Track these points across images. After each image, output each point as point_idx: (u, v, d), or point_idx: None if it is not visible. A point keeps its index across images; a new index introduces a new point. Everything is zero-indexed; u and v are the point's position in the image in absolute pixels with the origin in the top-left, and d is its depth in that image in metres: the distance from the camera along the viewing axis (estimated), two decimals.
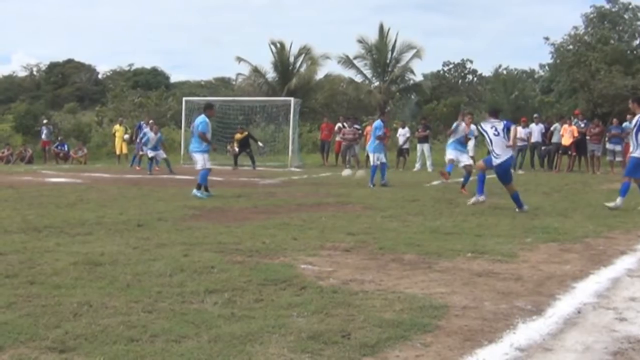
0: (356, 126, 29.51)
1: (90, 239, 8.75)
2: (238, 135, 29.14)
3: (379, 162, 18.18)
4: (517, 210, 11.99)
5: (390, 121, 37.26)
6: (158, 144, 25.82)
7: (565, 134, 26.41)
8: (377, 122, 19.41)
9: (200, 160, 15.07)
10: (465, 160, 16.75)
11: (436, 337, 4.67)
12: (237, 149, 28.92)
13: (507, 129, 12.42)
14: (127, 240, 8.57)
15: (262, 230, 9.59)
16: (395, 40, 47.00)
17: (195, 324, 4.86)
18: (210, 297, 5.64)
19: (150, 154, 25.37)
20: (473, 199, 12.85)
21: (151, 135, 25.74)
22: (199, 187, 14.82)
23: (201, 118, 15.50)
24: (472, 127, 17.59)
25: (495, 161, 12.34)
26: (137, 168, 27.25)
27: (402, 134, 29.58)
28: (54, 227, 9.71)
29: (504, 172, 12.43)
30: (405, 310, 5.29)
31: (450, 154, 16.92)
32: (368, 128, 29.96)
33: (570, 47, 36.92)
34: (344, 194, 15.50)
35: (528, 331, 4.85)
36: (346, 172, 23.28)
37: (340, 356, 4.29)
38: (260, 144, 30.08)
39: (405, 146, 29.48)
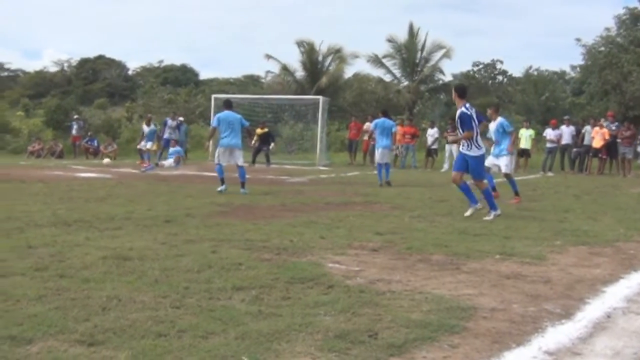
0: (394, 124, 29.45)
1: (119, 233, 8.81)
2: (259, 130, 29.23)
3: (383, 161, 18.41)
4: (471, 206, 11.39)
5: (419, 121, 37.24)
6: (152, 136, 26.32)
7: (597, 136, 26.19)
8: (390, 121, 19.35)
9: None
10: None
11: (464, 339, 4.64)
12: (256, 145, 29.01)
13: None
14: (155, 236, 8.61)
15: (290, 228, 9.60)
16: (425, 40, 46.87)
17: (222, 320, 4.87)
18: (238, 294, 5.65)
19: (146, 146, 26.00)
20: (470, 210, 11.39)
21: (145, 128, 26.45)
22: (243, 185, 15.09)
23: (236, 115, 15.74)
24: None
25: (479, 152, 11.38)
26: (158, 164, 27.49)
27: (431, 134, 29.54)
28: (83, 221, 9.78)
29: (482, 164, 11.73)
30: (432, 311, 5.26)
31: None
32: (398, 128, 29.95)
33: (602, 48, 36.58)
34: (371, 194, 15.48)
35: (557, 335, 4.81)
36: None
37: (367, 356, 4.28)
38: (272, 145, 29.97)
39: (434, 146, 29.41)
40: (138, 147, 27.31)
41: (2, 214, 10.27)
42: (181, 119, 30.06)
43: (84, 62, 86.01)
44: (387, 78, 48.82)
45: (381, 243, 8.46)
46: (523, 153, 27.99)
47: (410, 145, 30.27)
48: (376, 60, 47.16)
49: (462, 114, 11.18)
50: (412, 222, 10.54)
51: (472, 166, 11.34)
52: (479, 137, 11.37)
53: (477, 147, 11.26)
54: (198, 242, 8.19)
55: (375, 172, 18.73)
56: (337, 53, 47.91)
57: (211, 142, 23.71)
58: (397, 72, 47.95)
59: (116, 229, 9.16)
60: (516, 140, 14.35)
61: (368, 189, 16.90)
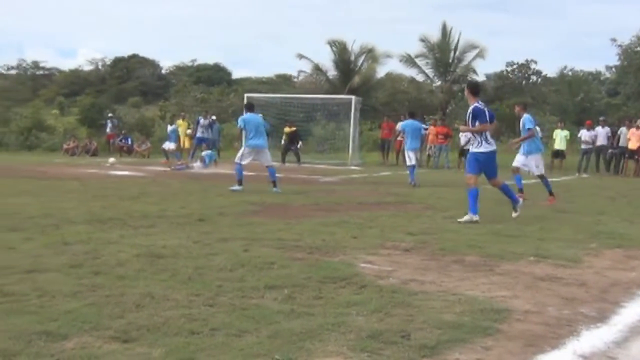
0: (422, 125, 29.35)
1: (152, 231, 8.87)
2: (287, 129, 29.41)
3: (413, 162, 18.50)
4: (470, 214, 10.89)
5: (451, 121, 37.03)
6: (173, 136, 26.67)
7: (632, 137, 25.90)
8: (418, 123, 19.36)
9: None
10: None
11: (497, 341, 4.60)
12: (285, 144, 29.19)
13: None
14: (188, 234, 8.66)
15: (322, 227, 9.59)
16: (458, 40, 46.68)
17: (255, 319, 4.88)
18: (270, 293, 5.66)
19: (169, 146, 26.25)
20: (466, 217, 10.81)
21: (168, 127, 26.90)
22: (275, 184, 15.20)
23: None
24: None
25: (490, 148, 11.09)
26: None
27: (464, 134, 29.35)
28: (117, 219, 9.86)
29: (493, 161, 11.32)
30: (465, 313, 5.23)
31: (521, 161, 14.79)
32: (431, 128, 29.84)
33: (638, 48, 36.14)
34: (404, 193, 15.44)
35: (592, 338, 4.75)
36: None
37: (400, 356, 4.26)
38: (300, 144, 30.01)
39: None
40: (162, 147, 27.71)
41: (38, 210, 10.39)
42: (213, 117, 30.20)
43: (118, 61, 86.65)
44: (420, 78, 48.77)
45: (414, 243, 8.42)
46: (558, 154, 27.77)
47: (443, 145, 30.17)
48: (409, 60, 47.05)
49: (476, 108, 11.06)
50: (445, 223, 10.49)
51: (484, 163, 11.15)
52: (488, 134, 11.14)
53: (487, 143, 11.07)
54: (231, 241, 8.21)
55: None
56: (369, 52, 47.86)
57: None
58: (430, 72, 47.85)
59: (150, 227, 9.22)
60: (529, 137, 14.01)
61: (400, 189, 16.85)
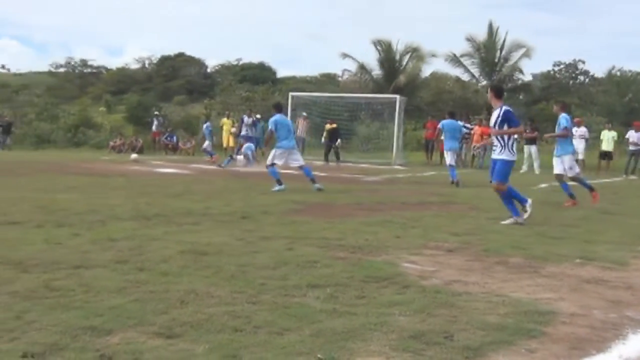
0: (467, 125, 29.17)
1: (196, 228, 8.93)
2: (327, 126, 29.49)
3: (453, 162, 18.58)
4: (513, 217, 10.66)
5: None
6: (207, 134, 27.05)
7: None
8: (458, 123, 19.33)
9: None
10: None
11: (542, 344, 4.56)
12: (325, 141, 29.28)
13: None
14: (232, 232, 8.70)
15: (365, 227, 9.58)
16: (505, 39, 46.27)
17: (297, 317, 4.89)
18: (313, 292, 5.66)
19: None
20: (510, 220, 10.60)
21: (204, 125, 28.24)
22: (314, 181, 15.28)
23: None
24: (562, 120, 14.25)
25: (511, 157, 10.81)
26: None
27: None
28: (162, 216, 9.95)
29: (509, 170, 11.03)
30: (509, 315, 5.18)
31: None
32: (476, 128, 29.63)
33: None
34: (447, 194, 15.35)
35: (638, 342, 4.68)
36: None
37: (443, 357, 4.24)
38: (339, 142, 29.97)
39: None
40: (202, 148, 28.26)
41: (85, 207, 10.53)
42: (258, 116, 30.31)
43: (164, 59, 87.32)
44: (465, 77, 48.45)
45: (457, 244, 8.37)
46: (605, 155, 27.38)
47: (488, 145, 29.88)
48: (454, 59, 46.77)
49: (507, 112, 10.75)
50: (489, 224, 10.40)
51: (499, 168, 10.84)
52: (514, 143, 10.91)
53: (510, 152, 10.79)
54: (274, 239, 8.24)
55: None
56: (414, 52, 47.67)
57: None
58: (476, 72, 47.52)
59: (194, 224, 9.29)
60: (562, 135, 13.75)
61: (444, 189, 16.77)
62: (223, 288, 5.67)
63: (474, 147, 30.00)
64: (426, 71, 49.13)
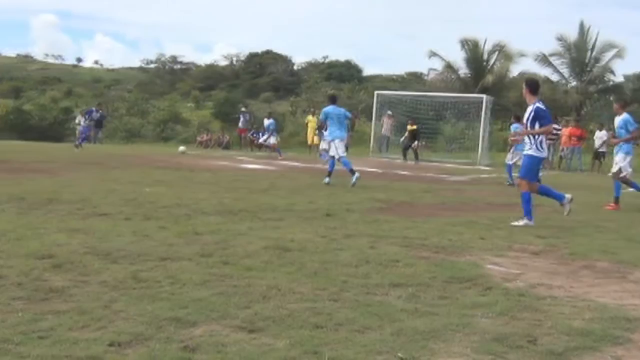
0: (555, 126, 28.63)
1: (280, 224, 9.01)
2: (409, 127, 29.50)
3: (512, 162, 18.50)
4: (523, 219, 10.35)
5: (586, 123, 35.94)
6: (270, 130, 27.47)
7: None
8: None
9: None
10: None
11: (628, 351, 4.45)
12: (405, 141, 29.27)
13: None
14: (315, 229, 8.75)
15: (449, 227, 9.51)
16: (596, 39, 45.15)
17: (378, 315, 4.89)
18: (395, 291, 5.65)
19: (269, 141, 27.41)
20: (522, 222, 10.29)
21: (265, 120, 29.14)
22: (353, 172, 15.44)
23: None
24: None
25: (539, 154, 10.54)
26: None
27: (599, 136, 28.49)
28: (247, 211, 10.06)
29: (536, 166, 10.84)
30: (595, 320, 5.07)
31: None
32: (564, 130, 29.06)
33: None
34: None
35: None
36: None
37: None
38: (416, 143, 29.82)
39: (602, 149, 28.31)
40: (268, 143, 29.03)
41: (172, 200, 10.73)
42: None
43: (252, 56, 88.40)
44: (555, 78, 47.46)
45: (543, 246, 8.24)
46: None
47: (577, 147, 29.34)
48: (543, 59, 45.88)
49: (539, 109, 10.41)
50: (575, 227, 10.19)
51: (525, 163, 10.64)
52: (544, 139, 10.57)
53: (538, 149, 10.47)
54: (357, 237, 8.25)
55: (540, 173, 18.25)
56: (502, 51, 47.01)
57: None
58: (565, 72, 46.51)
59: (278, 220, 9.37)
60: (636, 138, 13.39)
61: None
62: (305, 284, 5.71)
63: (561, 149, 29.48)
64: (514, 71, 48.38)
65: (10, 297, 4.92)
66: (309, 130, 33.51)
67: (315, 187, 14.64)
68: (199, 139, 38.25)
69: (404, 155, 29.07)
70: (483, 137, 31.02)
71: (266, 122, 30.90)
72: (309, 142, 33.32)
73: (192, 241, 7.43)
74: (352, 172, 15.36)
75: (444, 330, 4.63)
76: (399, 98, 36.48)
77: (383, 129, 34.60)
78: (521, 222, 10.18)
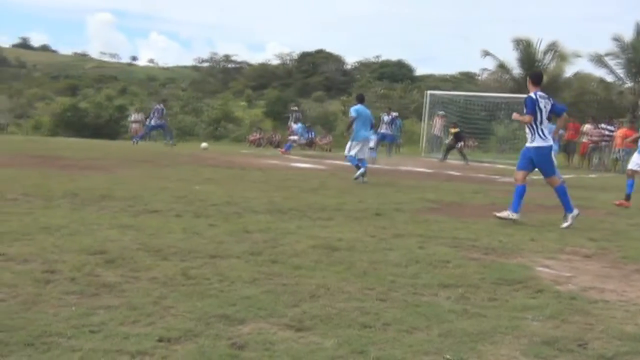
0: (609, 127, 28.21)
1: (330, 224, 9.01)
2: (452, 130, 29.44)
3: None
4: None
5: None
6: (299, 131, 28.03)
7: None
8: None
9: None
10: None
11: None
12: (451, 143, 29.26)
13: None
14: (365, 228, 8.74)
15: (500, 228, 9.43)
16: None
17: (426, 316, 4.87)
18: (444, 292, 5.63)
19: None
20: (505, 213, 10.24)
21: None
22: (358, 167, 15.92)
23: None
24: None
25: (543, 143, 10.35)
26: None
27: None
28: (297, 210, 10.09)
29: (548, 157, 10.65)
30: None
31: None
32: (619, 131, 28.60)
33: None
34: (586, 197, 14.87)
35: None
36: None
37: None
38: (460, 144, 29.69)
39: None
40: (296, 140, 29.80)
41: (222, 198, 10.81)
42: (395, 114, 30.39)
43: (304, 55, 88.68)
44: (610, 78, 46.67)
45: (595, 249, 8.12)
46: None
47: (632, 149, 28.81)
48: (598, 60, 45.15)
49: (528, 98, 10.38)
50: (629, 230, 10.03)
51: (537, 160, 10.41)
52: (544, 126, 10.32)
53: (540, 137, 10.27)
54: (406, 237, 8.23)
55: (593, 175, 18.00)
56: (556, 51, 46.41)
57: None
58: (621, 73, 45.67)
59: (327, 219, 9.38)
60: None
61: (583, 192, 16.24)
62: (354, 284, 5.71)
63: (616, 150, 29.00)
64: (569, 71, 47.73)
65: (64, 291, 5.01)
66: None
67: (365, 187, 14.63)
68: (250, 137, 38.46)
69: (445, 155, 28.96)
70: None
71: (294, 125, 31.54)
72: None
73: (242, 239, 7.47)
74: (358, 167, 15.97)
75: (492, 332, 4.60)
76: (450, 98, 36.27)
77: (434, 129, 34.46)
78: (568, 221, 10.04)
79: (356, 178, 15.65)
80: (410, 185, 15.42)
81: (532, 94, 10.45)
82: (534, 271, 6.71)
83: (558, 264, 7.17)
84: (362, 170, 15.85)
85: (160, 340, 4.11)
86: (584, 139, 29.16)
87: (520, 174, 10.53)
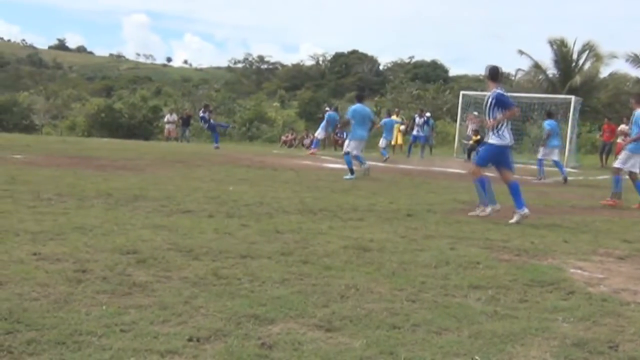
0: None
1: (361, 224, 9.02)
2: (474, 137, 29.51)
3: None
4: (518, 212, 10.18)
5: None
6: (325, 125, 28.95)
7: None
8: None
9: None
10: None
11: None
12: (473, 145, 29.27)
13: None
14: (395, 229, 8.74)
15: (532, 229, 9.37)
16: None
17: (456, 317, 4.86)
18: (474, 293, 5.61)
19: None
20: (488, 210, 10.58)
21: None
22: (352, 172, 16.34)
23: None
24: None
25: (500, 142, 10.37)
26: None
27: None
28: (328, 210, 10.11)
29: (492, 154, 10.60)
30: None
31: None
32: None
33: None
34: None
35: None
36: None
37: None
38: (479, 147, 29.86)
39: None
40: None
41: (254, 199, 10.87)
42: (428, 114, 30.33)
43: (338, 56, 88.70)
44: None
45: (629, 251, 8.04)
46: None
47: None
48: (635, 60, 44.64)
49: (500, 95, 10.30)
50: None
51: (481, 151, 10.61)
52: (505, 127, 10.32)
53: (498, 137, 10.29)
54: (437, 238, 8.21)
55: (627, 177, 17.80)
56: (592, 51, 45.96)
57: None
58: None
59: (358, 220, 9.39)
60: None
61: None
62: (384, 285, 5.71)
63: None
64: (605, 72, 47.27)
65: (95, 290, 5.07)
66: (393, 130, 33.43)
67: (397, 187, 14.62)
68: (283, 138, 38.56)
69: (469, 155, 28.85)
70: (570, 139, 30.38)
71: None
72: (393, 142, 33.24)
73: (273, 239, 7.51)
74: (352, 171, 16.32)
75: (523, 334, 4.58)
76: (484, 98, 36.01)
77: (468, 130, 34.29)
78: (512, 220, 10.09)
79: (347, 178, 16.01)
80: (442, 186, 15.37)
81: (500, 90, 10.48)
82: (566, 273, 6.66)
83: (590, 266, 7.11)
84: (365, 165, 16.52)
85: (190, 340, 4.14)
86: (619, 140, 28.76)
87: (504, 175, 10.66)
